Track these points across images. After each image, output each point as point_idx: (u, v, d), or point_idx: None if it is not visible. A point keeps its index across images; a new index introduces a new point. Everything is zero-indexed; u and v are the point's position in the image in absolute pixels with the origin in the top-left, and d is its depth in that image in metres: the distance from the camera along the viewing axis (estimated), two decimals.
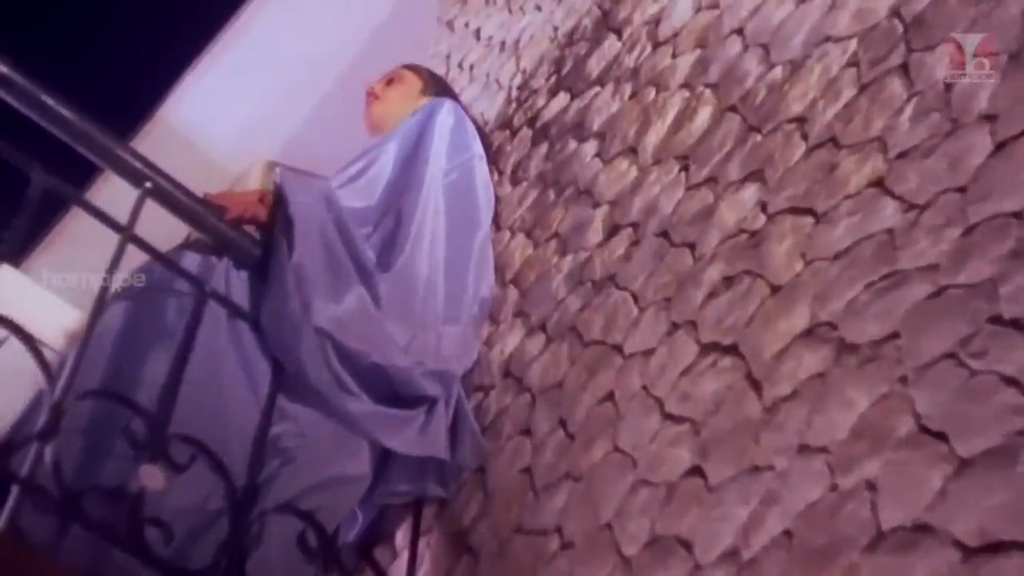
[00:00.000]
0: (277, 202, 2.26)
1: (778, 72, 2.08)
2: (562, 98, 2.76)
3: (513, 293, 2.41)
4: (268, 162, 4.87)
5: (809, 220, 1.77)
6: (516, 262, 2.47)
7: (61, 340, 2.18)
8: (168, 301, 2.08)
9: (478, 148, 2.69)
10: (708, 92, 2.23)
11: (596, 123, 2.54)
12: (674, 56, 2.43)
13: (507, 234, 2.58)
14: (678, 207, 2.08)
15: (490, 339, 2.37)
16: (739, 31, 2.27)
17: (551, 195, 2.52)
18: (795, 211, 1.81)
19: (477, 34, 3.46)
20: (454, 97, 2.94)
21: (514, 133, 2.87)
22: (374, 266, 2.23)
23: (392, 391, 2.16)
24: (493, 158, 2.79)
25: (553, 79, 2.86)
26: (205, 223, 2.16)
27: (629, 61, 2.58)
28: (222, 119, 4.63)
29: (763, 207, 1.88)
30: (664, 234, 2.07)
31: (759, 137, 2.01)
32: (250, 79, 4.51)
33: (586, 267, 2.23)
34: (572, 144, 2.58)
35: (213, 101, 4.56)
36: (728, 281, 1.85)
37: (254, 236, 2.23)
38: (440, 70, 3.52)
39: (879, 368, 1.49)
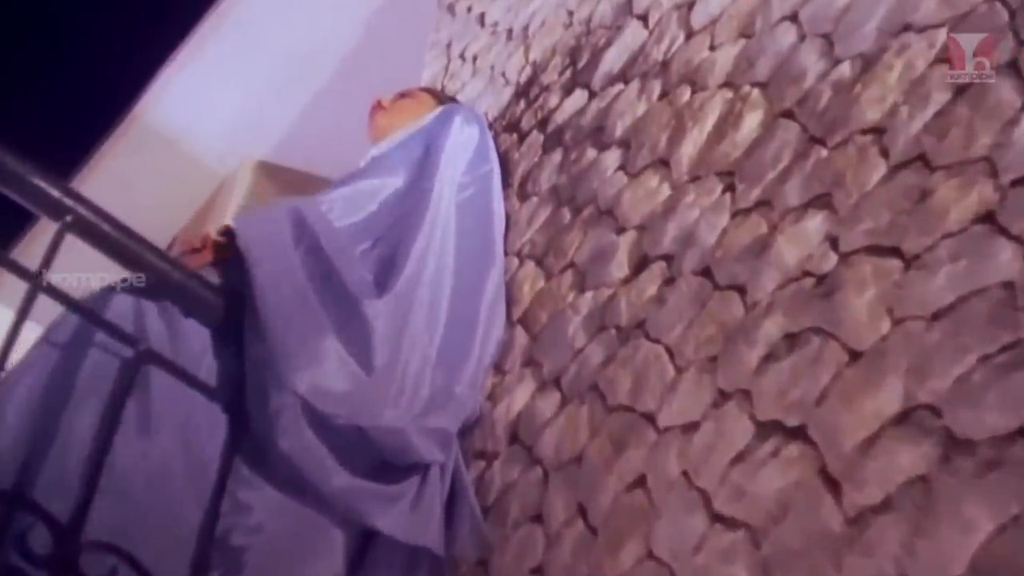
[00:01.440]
0: (234, 248, 1.89)
1: (845, 69, 1.70)
2: (578, 96, 2.38)
3: (521, 336, 2.04)
4: (259, 162, 4.54)
5: (896, 264, 1.40)
6: (525, 297, 2.09)
7: None
8: (103, 353, 1.72)
9: (495, 161, 2.34)
10: (756, 93, 1.86)
11: (619, 128, 2.16)
12: (712, 48, 2.05)
13: (514, 261, 2.21)
14: (723, 238, 1.71)
15: (494, 392, 2.00)
16: (792, 17, 1.89)
17: (566, 215, 2.15)
18: (876, 251, 1.44)
19: (481, 19, 3.08)
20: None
21: (522, 137, 2.49)
22: (368, 291, 1.87)
23: (379, 459, 1.80)
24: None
25: (568, 73, 2.49)
26: (143, 261, 1.78)
27: (657, 53, 2.20)
28: (207, 117, 4.29)
29: (833, 243, 1.51)
30: (706, 272, 1.70)
31: (824, 151, 1.63)
32: (236, 72, 4.17)
33: (609, 309, 1.86)
34: (591, 152, 2.20)
35: (196, 97, 4.23)
36: (791, 340, 1.48)
37: (209, 280, 1.86)
38: (440, 61, 3.15)
39: (1007, 477, 1.12)
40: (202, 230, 2.07)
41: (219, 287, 1.85)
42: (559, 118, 2.40)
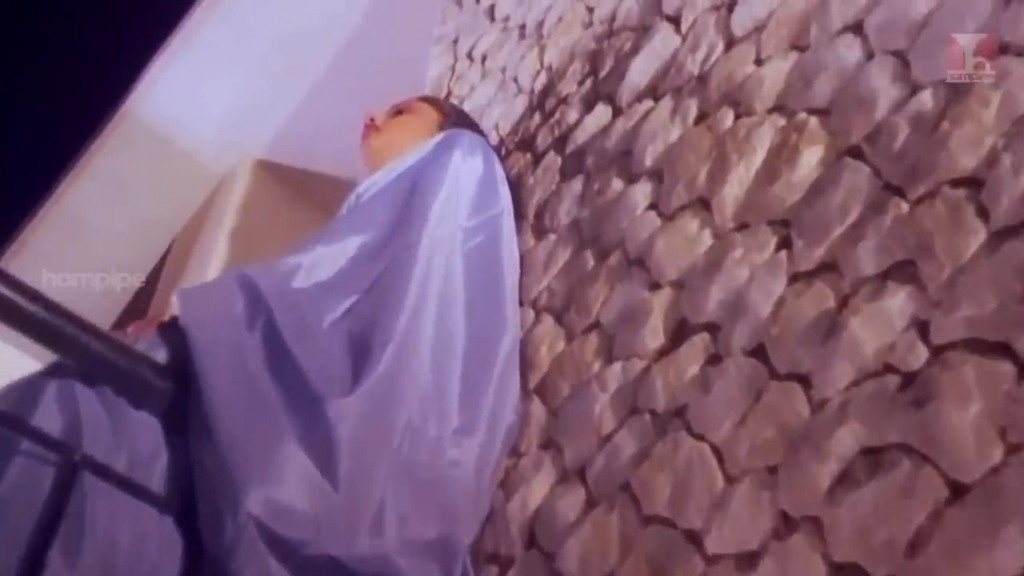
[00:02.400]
0: (175, 340, 1.59)
1: (926, 99, 1.40)
2: (601, 112, 2.08)
3: (539, 410, 1.76)
4: (258, 160, 4.27)
5: (1007, 369, 1.11)
6: (543, 360, 1.81)
7: None
8: (28, 460, 1.44)
9: (506, 197, 2.03)
10: (814, 122, 1.56)
11: (649, 155, 1.86)
12: (758, 61, 1.75)
13: (530, 313, 1.92)
14: (779, 310, 1.42)
15: (508, 480, 1.71)
16: (856, 27, 1.58)
17: (589, 259, 1.86)
18: (980, 347, 1.15)
19: (491, 13, 2.78)
20: (481, 132, 2.29)
21: (538, 158, 2.20)
22: (332, 384, 1.53)
23: None
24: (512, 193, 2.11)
25: (588, 83, 2.18)
26: (78, 344, 1.48)
27: (692, 64, 1.90)
28: (200, 112, 4.01)
29: (922, 331, 1.22)
30: (760, 353, 1.41)
31: (904, 205, 1.34)
32: (229, 65, 3.89)
33: (642, 386, 1.57)
34: (616, 183, 1.91)
35: (188, 92, 3.95)
36: (873, 458, 1.19)
37: (156, 363, 1.57)
38: (446, 59, 2.85)
39: None
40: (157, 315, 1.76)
41: (169, 366, 1.56)
42: (579, 137, 2.10)
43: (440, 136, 2.09)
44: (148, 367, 1.54)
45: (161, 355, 1.59)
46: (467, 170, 1.98)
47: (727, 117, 1.73)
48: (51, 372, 1.52)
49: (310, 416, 1.47)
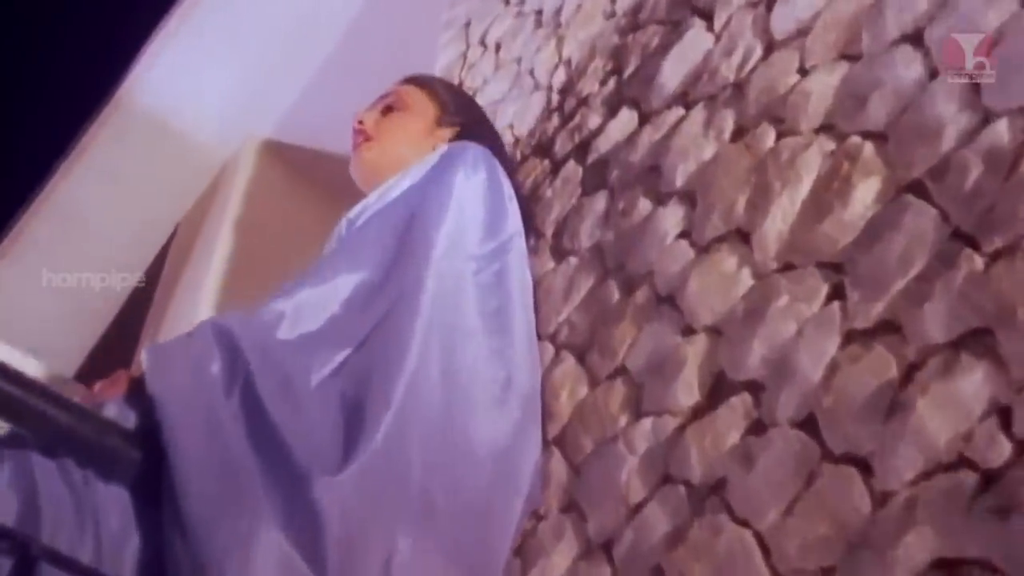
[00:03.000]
0: (144, 404, 1.42)
1: (1002, 130, 1.22)
2: (626, 118, 1.90)
3: (559, 465, 1.59)
4: (263, 141, 4.09)
5: None
6: (563, 408, 1.64)
7: None
8: None
9: (515, 214, 1.79)
10: (870, 149, 1.38)
11: (680, 174, 1.68)
12: (803, 71, 1.56)
13: (548, 348, 1.75)
14: (832, 376, 1.25)
15: (525, 546, 1.55)
16: (915, 37, 1.40)
17: (614, 291, 1.68)
18: None
19: None
20: (487, 131, 1.99)
21: (556, 167, 2.02)
22: (320, 459, 1.34)
23: None
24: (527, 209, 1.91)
25: (611, 84, 2.00)
26: (33, 412, 1.31)
27: (727, 69, 1.71)
28: (200, 93, 3.84)
29: (1004, 419, 1.05)
30: (810, 425, 1.24)
31: (978, 259, 1.16)
32: (229, 43, 3.71)
33: (675, 450, 1.40)
34: (644, 204, 1.73)
35: (186, 73, 3.77)
36: (948, 572, 1.02)
37: (126, 430, 1.40)
38: (457, 46, 2.66)
39: None
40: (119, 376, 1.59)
41: (139, 432, 1.39)
42: (602, 145, 1.92)
43: (439, 151, 1.84)
44: (117, 435, 1.38)
45: (132, 419, 1.43)
46: (472, 190, 1.74)
47: (768, 135, 1.55)
48: (2, 443, 1.36)
49: (294, 496, 1.29)
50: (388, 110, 1.99)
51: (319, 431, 1.39)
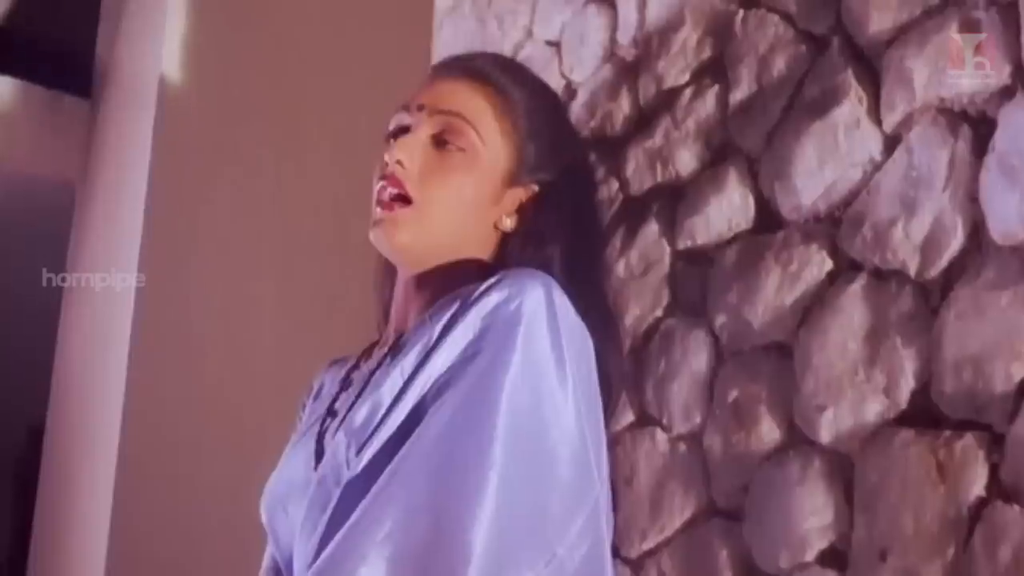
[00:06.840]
0: None
1: None
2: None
3: None
4: None
5: None
6: None
7: None
8: None
9: (592, 366, 1.17)
10: None
11: None
12: None
13: None
14: None
15: None
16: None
17: None
18: None
19: None
20: (580, 189, 1.31)
21: None
22: None
23: None
24: None
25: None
26: None
27: None
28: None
29: None
30: None
31: None
32: None
33: None
34: None
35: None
36: None
37: None
38: (475, 40, 2.54)
39: None
40: None
41: None
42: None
43: (492, 287, 1.13)
44: None
45: None
46: (538, 359, 1.10)
47: None
48: None
49: None
50: (441, 143, 1.25)
51: None
